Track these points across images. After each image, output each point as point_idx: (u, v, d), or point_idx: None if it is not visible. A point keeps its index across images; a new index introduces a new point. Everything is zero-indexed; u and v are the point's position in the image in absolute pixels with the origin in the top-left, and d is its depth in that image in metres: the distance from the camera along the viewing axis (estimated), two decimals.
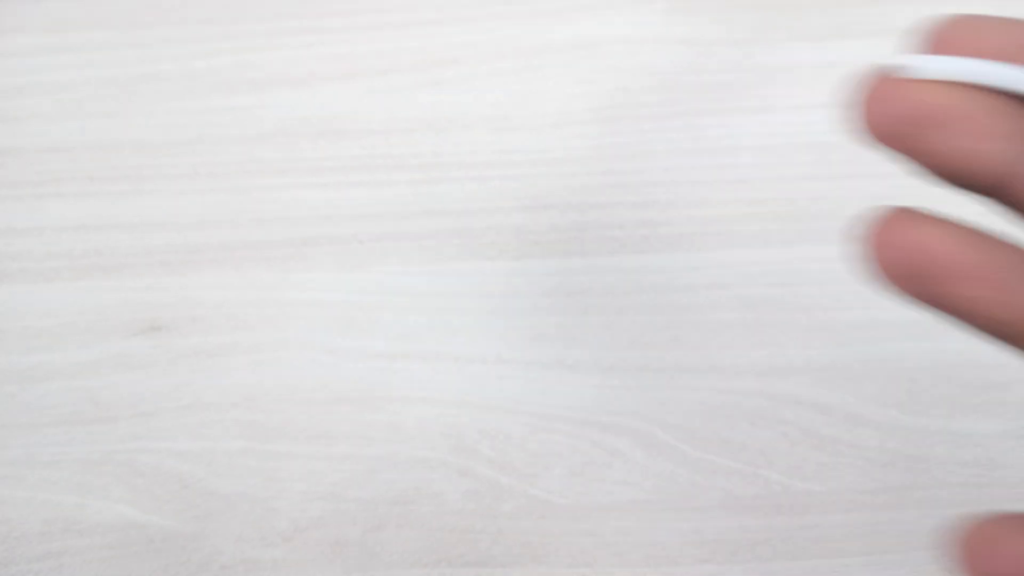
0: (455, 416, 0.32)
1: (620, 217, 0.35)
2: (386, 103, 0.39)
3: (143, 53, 0.40)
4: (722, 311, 0.33)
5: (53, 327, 0.33)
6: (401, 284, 0.34)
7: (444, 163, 0.37)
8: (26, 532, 0.30)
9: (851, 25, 0.40)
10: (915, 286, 0.13)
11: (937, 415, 0.31)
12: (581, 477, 0.31)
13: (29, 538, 0.29)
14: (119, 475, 0.30)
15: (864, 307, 0.33)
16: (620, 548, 0.29)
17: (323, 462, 0.31)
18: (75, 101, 0.39)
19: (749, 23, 0.40)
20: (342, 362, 0.32)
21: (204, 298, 0.34)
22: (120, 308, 0.34)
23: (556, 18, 0.41)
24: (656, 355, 0.33)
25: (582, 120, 0.38)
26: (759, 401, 0.31)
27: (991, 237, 0.13)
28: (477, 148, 0.37)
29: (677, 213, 0.35)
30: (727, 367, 0.32)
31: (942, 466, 0.30)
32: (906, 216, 0.13)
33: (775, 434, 0.31)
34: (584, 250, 0.35)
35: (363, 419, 0.32)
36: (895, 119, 0.13)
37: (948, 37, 0.13)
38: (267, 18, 0.41)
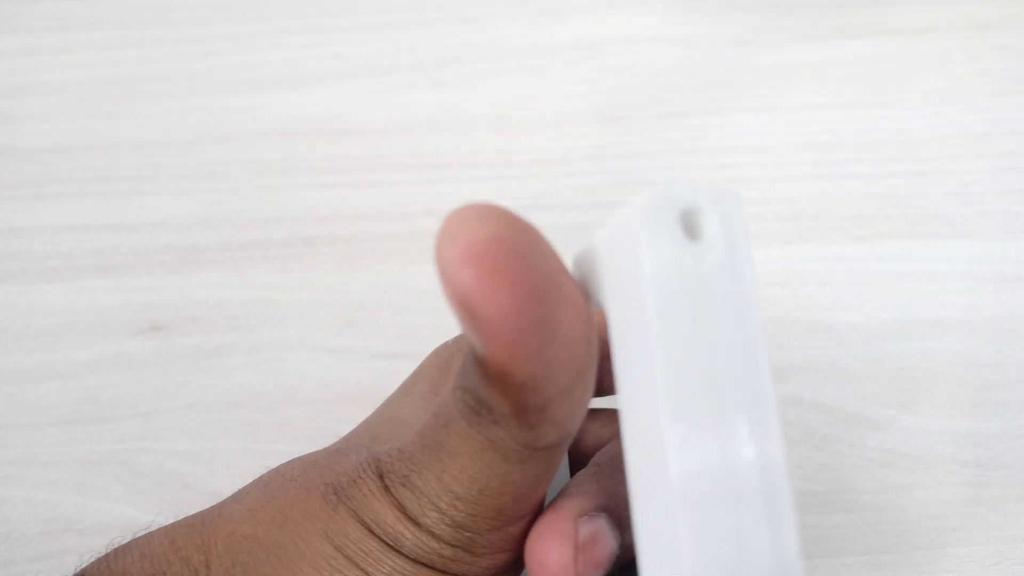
0: None
1: None
2: (386, 103, 0.39)
3: (143, 53, 0.40)
4: None
5: (53, 327, 0.33)
6: (401, 284, 0.34)
7: (444, 163, 0.37)
8: (26, 532, 0.29)
9: (851, 25, 0.40)
10: None
11: (937, 415, 0.31)
12: None
13: (29, 538, 0.29)
14: (119, 475, 0.30)
15: (864, 307, 0.33)
16: None
17: None
18: (75, 101, 0.39)
19: (749, 23, 0.40)
20: (342, 362, 0.32)
21: (204, 298, 0.34)
22: (120, 308, 0.34)
23: (556, 18, 0.41)
24: None
25: (582, 120, 0.38)
26: None
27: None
28: (477, 148, 0.37)
29: None
30: None
31: (942, 466, 0.30)
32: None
33: None
34: None
35: (363, 419, 0.32)
36: None
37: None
38: (267, 18, 0.41)
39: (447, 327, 0.33)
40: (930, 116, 0.37)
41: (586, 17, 0.41)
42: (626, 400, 0.14)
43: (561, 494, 0.18)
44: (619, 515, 0.17)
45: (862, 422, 0.31)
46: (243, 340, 0.33)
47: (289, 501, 0.17)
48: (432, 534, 0.16)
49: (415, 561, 0.16)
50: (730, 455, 0.12)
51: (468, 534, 0.16)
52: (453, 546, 0.16)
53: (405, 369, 0.33)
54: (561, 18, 0.41)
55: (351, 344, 0.33)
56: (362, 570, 0.16)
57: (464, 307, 0.12)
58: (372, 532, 0.16)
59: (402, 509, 0.16)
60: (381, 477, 0.17)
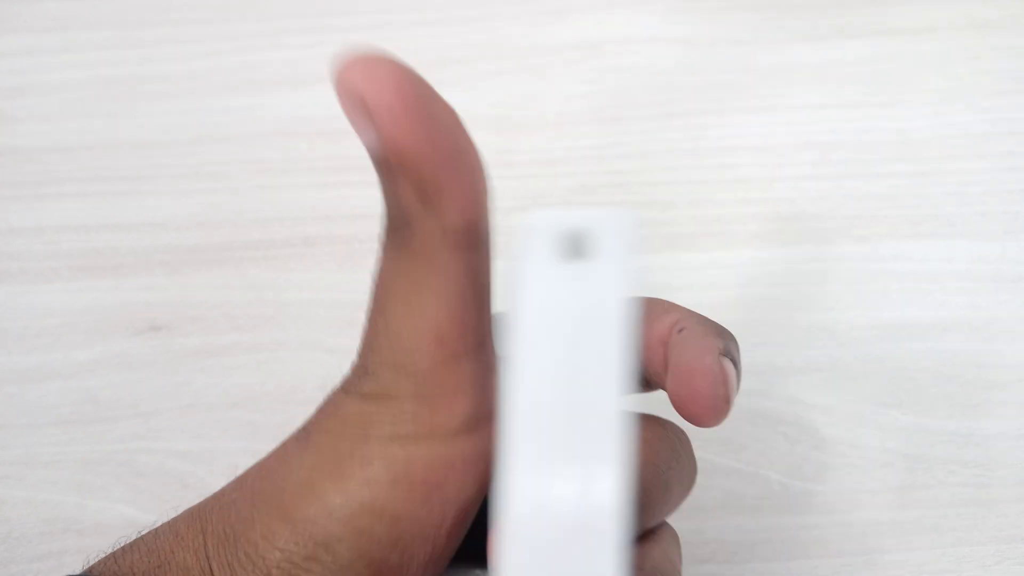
0: None
1: None
2: None
3: (143, 53, 0.40)
4: (722, 311, 0.33)
5: (53, 327, 0.33)
6: None
7: None
8: (26, 532, 0.30)
9: (851, 25, 0.40)
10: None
11: (937, 415, 0.31)
12: None
13: (29, 538, 0.29)
14: (119, 475, 0.30)
15: (864, 307, 0.33)
16: None
17: None
18: (75, 101, 0.39)
19: (749, 23, 0.40)
20: (342, 362, 0.32)
21: (204, 298, 0.34)
22: (120, 308, 0.34)
23: (556, 18, 0.41)
24: None
25: (582, 120, 0.38)
26: (759, 401, 0.31)
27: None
28: None
29: (677, 213, 0.35)
30: None
31: (942, 466, 0.30)
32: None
33: (775, 434, 0.31)
34: None
35: None
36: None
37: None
38: (267, 18, 0.41)
39: None
40: (930, 116, 0.37)
41: (586, 17, 0.41)
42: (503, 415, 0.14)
43: None
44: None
45: (862, 422, 0.31)
46: (243, 340, 0.33)
47: (268, 460, 0.19)
48: (392, 397, 0.17)
49: (383, 439, 0.17)
50: (564, 490, 0.12)
51: (421, 375, 0.17)
52: (412, 398, 0.17)
53: None
54: (561, 18, 0.41)
55: (351, 344, 0.33)
56: (338, 476, 0.17)
57: (360, 104, 0.16)
58: (342, 436, 0.17)
59: (365, 396, 0.17)
60: (341, 389, 0.18)
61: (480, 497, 0.18)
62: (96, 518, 0.30)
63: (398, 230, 0.17)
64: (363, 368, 0.18)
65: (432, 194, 0.16)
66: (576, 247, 0.14)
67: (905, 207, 0.35)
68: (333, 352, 0.33)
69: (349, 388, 0.18)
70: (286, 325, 0.33)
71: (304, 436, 0.18)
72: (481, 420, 0.17)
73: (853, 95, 0.38)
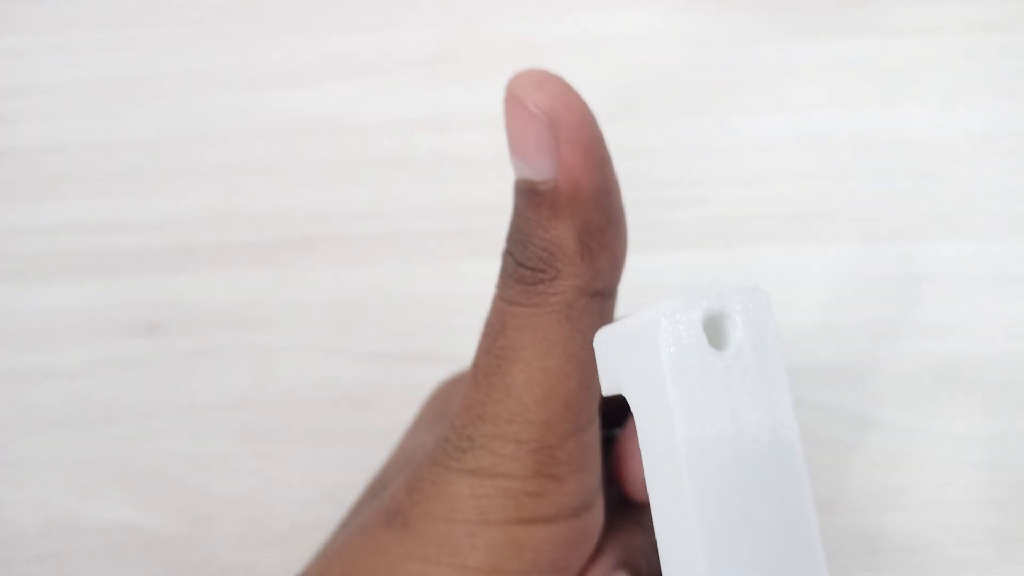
0: None
1: None
2: (386, 103, 0.39)
3: (143, 53, 0.40)
4: None
5: (53, 327, 0.33)
6: (401, 284, 0.34)
7: (444, 163, 0.37)
8: (25, 532, 0.29)
9: (854, 24, 0.40)
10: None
11: (939, 416, 0.31)
12: None
13: (28, 538, 0.29)
14: (118, 476, 0.30)
15: (866, 307, 0.33)
16: None
17: (322, 463, 0.31)
18: (75, 101, 0.39)
19: (750, 22, 0.40)
20: (342, 362, 0.32)
21: (203, 298, 0.34)
22: (119, 308, 0.34)
23: (557, 17, 0.41)
24: None
25: None
26: None
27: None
28: (477, 148, 0.37)
29: (678, 213, 0.35)
30: None
31: (944, 467, 0.30)
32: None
33: None
34: None
35: (363, 419, 0.31)
36: None
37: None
38: (267, 18, 0.41)
39: (446, 327, 0.33)
40: (932, 116, 0.37)
41: (587, 16, 0.41)
42: (655, 505, 0.13)
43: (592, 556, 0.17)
44: (636, 564, 0.17)
45: (864, 423, 0.31)
46: (242, 340, 0.33)
47: (353, 549, 0.16)
48: (512, 476, 0.15)
49: (504, 523, 0.15)
50: None
51: (547, 451, 0.15)
52: (536, 477, 0.15)
53: (405, 370, 0.33)
54: (562, 17, 0.41)
55: (351, 344, 0.33)
56: (458, 567, 0.15)
57: (546, 126, 0.14)
58: (454, 521, 0.15)
59: (474, 473, 0.15)
60: (438, 464, 0.16)
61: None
62: (94, 519, 0.30)
63: (537, 276, 0.15)
64: (467, 439, 0.16)
65: (595, 246, 0.15)
66: (717, 332, 0.12)
67: (908, 207, 0.35)
68: (332, 352, 0.33)
69: (450, 463, 0.16)
70: (285, 325, 0.33)
71: (400, 522, 0.16)
72: (600, 492, 0.16)
73: (856, 94, 0.38)
